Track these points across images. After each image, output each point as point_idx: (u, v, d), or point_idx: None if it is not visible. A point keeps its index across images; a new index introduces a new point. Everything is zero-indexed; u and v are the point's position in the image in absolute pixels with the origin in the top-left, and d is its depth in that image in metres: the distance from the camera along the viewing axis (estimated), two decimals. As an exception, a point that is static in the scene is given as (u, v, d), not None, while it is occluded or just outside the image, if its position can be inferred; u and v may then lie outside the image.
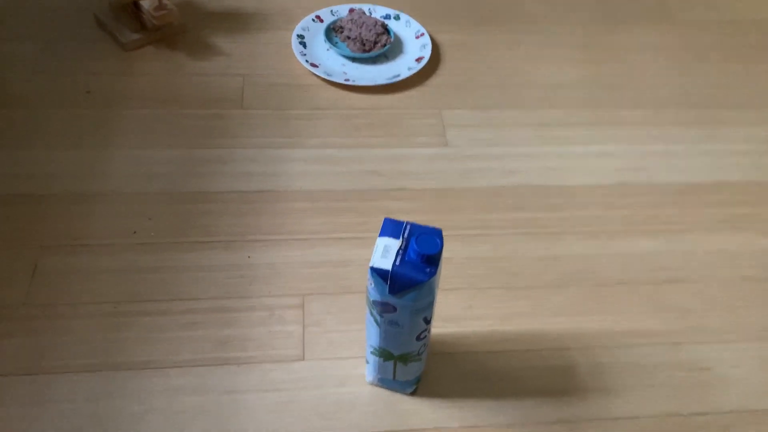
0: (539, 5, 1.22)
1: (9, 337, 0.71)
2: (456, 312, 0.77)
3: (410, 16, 1.16)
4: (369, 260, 0.58)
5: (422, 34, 1.12)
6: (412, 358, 0.65)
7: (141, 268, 0.78)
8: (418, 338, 0.63)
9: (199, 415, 0.67)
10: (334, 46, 1.09)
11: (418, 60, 1.08)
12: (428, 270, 0.57)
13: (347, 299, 0.77)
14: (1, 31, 1.07)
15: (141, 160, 0.90)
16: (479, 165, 0.94)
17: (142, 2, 1.04)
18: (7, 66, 1.02)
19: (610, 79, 1.09)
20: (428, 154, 0.95)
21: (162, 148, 0.92)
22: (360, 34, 1.08)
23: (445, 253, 0.82)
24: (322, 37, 1.11)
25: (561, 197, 0.91)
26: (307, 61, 1.05)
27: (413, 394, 0.70)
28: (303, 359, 0.72)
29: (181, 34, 1.10)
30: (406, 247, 0.58)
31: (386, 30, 1.10)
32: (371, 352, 0.66)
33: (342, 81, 1.03)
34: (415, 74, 1.06)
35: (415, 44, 1.12)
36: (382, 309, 0.60)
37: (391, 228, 0.59)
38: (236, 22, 1.13)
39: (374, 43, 1.08)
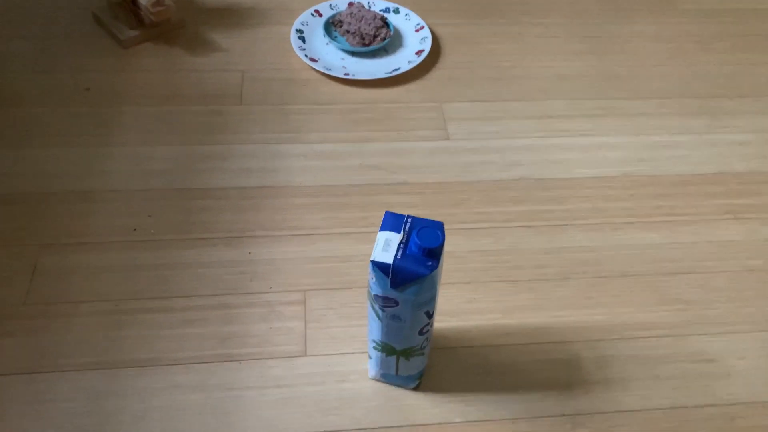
0: (540, -3, 1.22)
1: (9, 337, 0.71)
2: (458, 306, 0.77)
3: (410, 9, 1.15)
4: (370, 255, 0.57)
5: (422, 27, 1.12)
6: (415, 353, 0.65)
7: (141, 265, 0.78)
8: (420, 333, 0.62)
9: (201, 413, 0.67)
10: (334, 40, 1.08)
11: (418, 53, 1.07)
12: (430, 263, 0.56)
13: (349, 294, 0.77)
14: (-2, 29, 1.07)
15: (140, 157, 0.90)
16: (481, 158, 0.93)
17: (139, -1, 1.04)
18: (5, 64, 1.01)
19: (612, 70, 1.08)
20: (429, 148, 0.94)
21: (161, 144, 0.92)
22: (359, 27, 1.07)
23: (447, 247, 0.81)
24: (321, 31, 1.10)
25: (563, 189, 0.90)
26: (306, 55, 1.05)
27: (416, 389, 0.70)
28: (305, 355, 0.72)
29: (179, 30, 1.09)
30: (408, 240, 0.57)
31: (386, 23, 1.09)
32: (373, 348, 0.66)
33: (341, 75, 1.02)
34: (415, 67, 1.05)
35: (414, 37, 1.11)
36: (384, 303, 0.59)
37: (392, 221, 0.59)
38: (234, 17, 1.13)
39: (374, 37, 1.07)
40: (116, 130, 0.93)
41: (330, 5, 1.14)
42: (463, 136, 0.96)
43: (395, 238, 0.57)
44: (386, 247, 0.57)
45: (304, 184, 0.88)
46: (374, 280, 0.58)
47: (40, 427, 0.65)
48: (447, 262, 0.80)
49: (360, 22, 1.08)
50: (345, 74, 1.02)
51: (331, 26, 1.11)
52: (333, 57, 1.07)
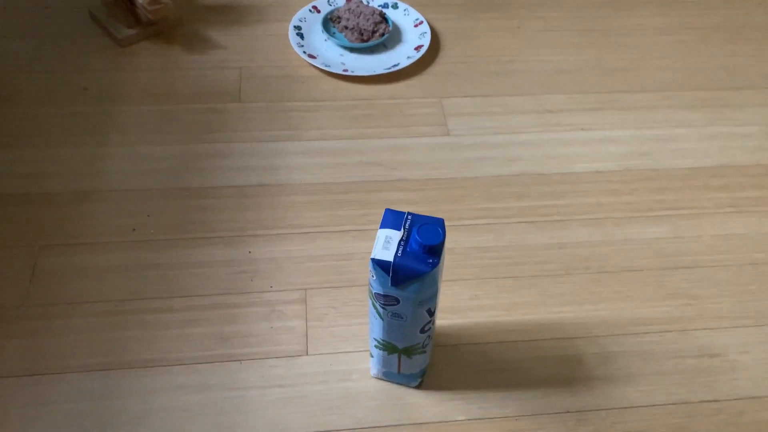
0: (539, -10, 1.21)
1: (9, 338, 0.71)
2: (460, 303, 0.76)
3: (408, 4, 1.15)
4: (371, 252, 0.57)
5: (421, 22, 1.11)
6: (417, 351, 0.64)
7: (141, 265, 0.78)
8: (422, 330, 0.62)
9: (203, 413, 0.66)
10: (332, 36, 1.07)
11: (417, 48, 1.06)
12: (431, 261, 0.56)
13: (350, 292, 0.76)
14: (-5, 29, 1.06)
15: (139, 156, 0.89)
16: (481, 153, 0.93)
17: (136, -3, 1.03)
18: (1, 64, 1.01)
19: (612, 63, 1.07)
20: (429, 144, 0.94)
21: (160, 144, 0.91)
22: (358, 23, 1.06)
23: (448, 244, 0.81)
24: (319, 27, 1.09)
25: (565, 184, 0.89)
26: (304, 52, 1.04)
27: (419, 387, 0.69)
28: (306, 354, 0.71)
29: (176, 28, 1.08)
30: (408, 237, 0.57)
31: (384, 19, 1.09)
32: (375, 346, 0.65)
33: (340, 72, 1.01)
34: (414, 63, 1.04)
35: (413, 33, 1.10)
36: (385, 301, 0.59)
37: (392, 219, 0.58)
38: (232, 14, 1.12)
39: (372, 33, 1.06)
40: (114, 130, 0.93)
41: (328, 1, 1.13)
42: (463, 131, 0.96)
43: (395, 235, 0.57)
44: (386, 244, 0.56)
45: (304, 181, 0.88)
46: (375, 278, 0.57)
47: (41, 429, 0.65)
48: (448, 259, 0.80)
49: (358, 17, 1.07)
50: (344, 70, 1.02)
51: (330, 22, 1.10)
52: (332, 53, 1.06)
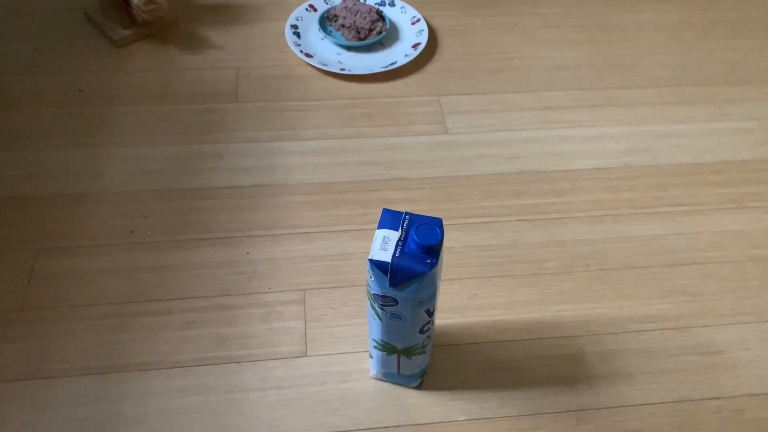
0: (537, -14, 1.20)
1: (7, 342, 0.70)
2: (460, 302, 0.76)
3: (405, 1, 1.14)
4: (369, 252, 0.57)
5: (418, 20, 1.10)
6: (416, 352, 0.64)
7: (138, 267, 0.77)
8: (421, 331, 0.61)
9: (202, 416, 0.66)
10: (329, 35, 1.07)
11: (415, 46, 1.06)
12: (429, 261, 0.55)
13: (349, 293, 0.76)
14: (-10, 31, 1.06)
15: (136, 157, 0.89)
16: (480, 151, 0.92)
17: (131, -3, 1.02)
18: (-3, 67, 1.00)
19: (611, 60, 1.07)
20: (428, 142, 0.93)
21: (156, 144, 0.91)
22: (354, 21, 1.06)
23: (447, 242, 0.80)
24: (316, 26, 1.09)
25: (564, 182, 0.89)
26: (301, 51, 1.03)
27: (419, 387, 0.69)
28: (305, 355, 0.71)
29: (172, 29, 1.08)
30: (406, 238, 0.56)
31: (381, 17, 1.08)
32: (374, 347, 0.65)
33: (337, 70, 1.01)
34: (412, 61, 1.04)
35: (411, 30, 1.09)
36: (383, 302, 0.58)
37: (390, 219, 0.58)
38: (228, 13, 1.11)
39: (369, 31, 1.06)
40: (111, 131, 0.92)
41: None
42: (462, 129, 0.95)
43: (393, 235, 0.57)
44: (384, 245, 0.56)
45: (302, 181, 0.87)
46: (373, 279, 0.57)
47: (39, 433, 0.64)
48: (447, 258, 0.79)
49: (355, 15, 1.06)
50: (341, 69, 1.01)
51: (326, 21, 1.10)
52: (329, 52, 1.05)
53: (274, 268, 0.78)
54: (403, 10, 1.12)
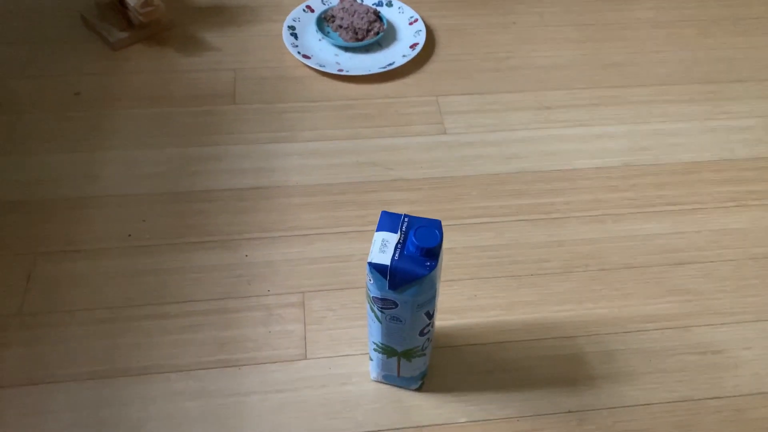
0: (534, -15, 1.20)
1: (5, 348, 0.70)
2: (460, 303, 0.76)
3: (403, 1, 1.14)
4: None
5: (416, 20, 1.10)
6: (416, 354, 0.63)
7: (137, 271, 0.77)
8: (421, 333, 0.61)
9: (202, 420, 0.66)
10: (326, 36, 1.07)
11: (413, 47, 1.06)
12: (428, 263, 0.55)
13: (349, 295, 0.76)
14: (-14, 35, 1.06)
15: (133, 161, 0.89)
16: (479, 151, 0.92)
17: (127, 0, 1.02)
18: (-6, 70, 1.00)
19: (609, 58, 1.07)
20: (426, 143, 0.93)
21: (154, 147, 0.90)
22: (352, 22, 1.05)
23: (446, 243, 0.80)
24: (313, 27, 1.08)
25: (563, 181, 0.89)
26: (299, 52, 1.03)
27: (419, 389, 0.69)
28: (305, 358, 0.71)
29: (169, 31, 1.07)
30: (405, 240, 0.56)
31: (379, 17, 1.08)
32: (374, 349, 0.65)
33: (335, 71, 1.01)
34: (410, 61, 1.03)
35: (408, 30, 1.09)
36: (383, 305, 0.58)
37: (389, 221, 0.58)
38: (225, 15, 1.11)
39: (367, 32, 1.06)
40: (108, 134, 0.92)
41: (322, 0, 1.12)
42: (461, 129, 0.95)
43: (392, 238, 0.56)
44: (383, 247, 0.56)
45: (300, 183, 0.87)
46: (372, 281, 0.57)
47: (38, 439, 0.64)
48: (447, 259, 0.79)
49: (353, 16, 1.06)
50: (339, 70, 1.01)
51: (324, 22, 1.09)
52: (326, 53, 1.05)
53: (273, 271, 0.78)
54: (400, 10, 1.12)
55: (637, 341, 0.73)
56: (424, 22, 1.11)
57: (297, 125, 0.95)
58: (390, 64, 1.03)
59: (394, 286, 0.56)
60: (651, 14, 1.15)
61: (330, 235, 0.82)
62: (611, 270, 0.79)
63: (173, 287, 0.76)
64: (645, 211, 0.85)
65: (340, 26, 1.06)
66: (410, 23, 1.10)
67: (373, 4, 1.13)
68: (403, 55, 1.04)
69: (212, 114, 0.95)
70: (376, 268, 0.55)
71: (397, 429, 0.66)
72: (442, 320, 0.74)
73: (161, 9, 1.03)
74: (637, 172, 0.90)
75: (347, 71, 1.01)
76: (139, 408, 0.66)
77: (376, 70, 1.01)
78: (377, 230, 0.57)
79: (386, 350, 0.63)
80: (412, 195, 0.86)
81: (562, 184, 0.88)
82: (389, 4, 1.13)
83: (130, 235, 0.80)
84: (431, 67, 1.04)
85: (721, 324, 0.75)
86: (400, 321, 0.59)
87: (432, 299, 0.59)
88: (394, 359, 0.64)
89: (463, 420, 0.67)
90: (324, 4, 1.12)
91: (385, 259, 0.55)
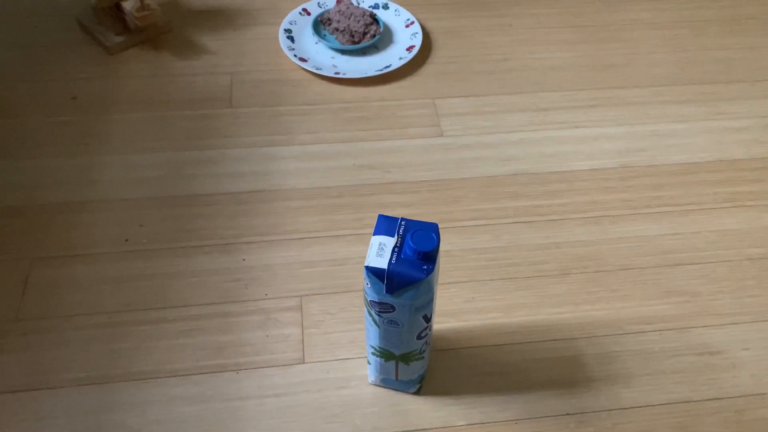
0: (530, -13, 1.20)
1: (2, 353, 0.70)
2: (457, 306, 0.76)
3: (399, 4, 1.14)
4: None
5: (412, 23, 1.10)
6: (414, 358, 0.63)
7: (134, 276, 0.77)
8: (419, 337, 0.61)
9: (200, 424, 0.66)
10: (323, 39, 1.07)
11: (409, 49, 1.06)
12: (425, 267, 0.55)
13: (346, 298, 0.76)
14: (-18, 39, 1.05)
15: (130, 165, 0.89)
16: (475, 154, 0.92)
17: (123, 4, 1.02)
18: (-10, 75, 1.00)
19: (605, 60, 1.07)
20: (423, 145, 0.93)
21: (151, 151, 0.90)
22: (348, 25, 1.05)
23: (444, 246, 0.80)
24: (309, 30, 1.09)
25: (560, 183, 0.89)
26: (295, 55, 1.03)
27: (417, 393, 0.68)
28: (303, 362, 0.70)
29: (165, 35, 1.07)
30: (402, 244, 0.56)
31: (375, 20, 1.08)
32: (372, 353, 0.65)
33: (332, 74, 1.01)
34: (406, 64, 1.04)
35: (405, 33, 1.09)
36: (381, 309, 0.58)
37: (386, 225, 0.58)
38: (221, 19, 1.11)
39: (363, 34, 1.06)
40: (105, 139, 0.92)
41: (318, 3, 1.12)
42: (457, 132, 0.95)
43: (389, 242, 0.56)
44: (380, 251, 0.56)
45: (298, 186, 0.87)
46: (369, 285, 0.57)
47: (36, 445, 0.64)
48: (444, 261, 0.79)
49: (349, 19, 1.06)
50: (335, 73, 1.01)
51: (320, 24, 1.09)
52: (323, 56, 1.05)
53: (271, 275, 0.78)
54: (396, 13, 1.12)
55: (635, 343, 0.73)
56: (421, 24, 1.11)
57: (294, 128, 0.94)
58: (386, 67, 1.03)
59: (391, 289, 0.56)
60: (647, 16, 1.15)
61: (327, 239, 0.81)
62: (609, 271, 0.79)
63: (170, 292, 0.76)
64: (642, 212, 0.85)
65: (337, 29, 1.06)
66: (406, 26, 1.10)
67: (369, 7, 1.13)
68: (400, 58, 1.04)
69: (209, 118, 0.95)
70: (374, 272, 0.55)
71: (396, 432, 0.66)
72: (439, 323, 0.74)
73: (157, 13, 1.02)
74: (633, 174, 0.90)
75: (344, 74, 1.01)
76: (138, 413, 0.66)
77: (372, 72, 1.01)
78: (374, 234, 0.57)
79: (384, 354, 0.63)
80: (410, 197, 0.86)
81: (559, 186, 0.88)
82: (385, 7, 1.13)
83: (127, 240, 0.80)
84: (428, 69, 1.04)
85: (719, 325, 0.75)
86: (398, 324, 0.59)
87: (429, 302, 0.58)
88: (392, 363, 0.64)
89: (461, 423, 0.66)
90: (320, 8, 1.12)
91: (383, 263, 0.55)
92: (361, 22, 1.06)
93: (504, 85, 1.02)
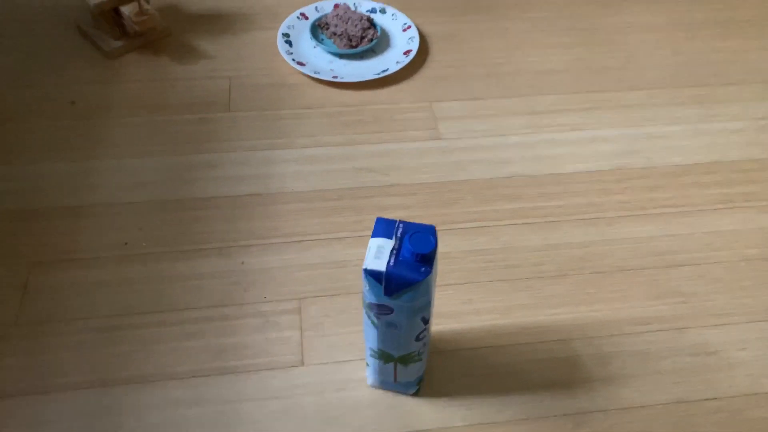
0: (526, -9, 1.21)
1: (2, 357, 0.70)
2: (455, 307, 0.76)
3: (396, 8, 1.15)
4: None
5: (409, 27, 1.11)
6: (413, 359, 0.64)
7: (133, 279, 0.77)
8: (417, 339, 0.62)
9: (199, 427, 0.66)
10: (321, 43, 1.07)
11: (406, 53, 1.06)
12: (423, 269, 0.55)
13: (345, 300, 0.76)
14: (-19, 45, 1.06)
15: (129, 169, 0.89)
16: (473, 156, 0.93)
17: (122, 9, 1.02)
18: (-11, 80, 1.00)
19: (600, 63, 1.08)
20: (421, 148, 0.93)
21: (150, 155, 0.91)
22: (346, 29, 1.06)
23: (441, 248, 0.81)
24: (307, 34, 1.09)
25: (557, 185, 0.89)
26: (293, 59, 1.04)
27: (416, 394, 0.69)
28: (302, 365, 0.71)
29: (164, 39, 1.08)
30: (400, 246, 0.57)
31: (372, 24, 1.08)
32: (370, 355, 0.65)
33: (330, 78, 1.01)
34: (403, 68, 1.04)
35: (402, 37, 1.10)
36: (379, 311, 0.59)
37: (384, 227, 0.58)
38: (220, 23, 1.12)
39: (361, 39, 1.06)
40: (103, 143, 0.92)
41: (316, 7, 1.13)
42: (455, 135, 0.95)
43: (387, 244, 0.57)
44: (378, 254, 0.56)
45: (296, 189, 0.88)
46: (368, 288, 0.57)
47: (36, 448, 0.64)
48: (442, 263, 0.80)
49: (346, 23, 1.07)
50: (333, 77, 1.02)
51: (318, 29, 1.10)
52: (321, 60, 1.06)
53: (270, 278, 0.78)
54: (393, 17, 1.13)
55: (632, 343, 0.73)
56: (418, 28, 1.11)
57: (292, 132, 0.95)
58: (384, 71, 1.03)
59: (389, 292, 0.56)
60: (642, 18, 1.16)
61: (326, 241, 0.82)
62: (605, 273, 0.80)
63: (170, 295, 0.76)
64: (638, 213, 0.86)
65: (335, 33, 1.07)
66: (404, 30, 1.11)
67: (366, 12, 1.13)
68: (397, 62, 1.05)
69: (208, 122, 0.96)
70: (372, 275, 0.56)
71: (395, 434, 0.66)
72: (438, 325, 0.74)
73: (156, 17, 1.03)
74: (629, 175, 0.91)
75: (342, 78, 1.02)
76: (137, 416, 0.67)
77: (370, 76, 1.02)
78: (372, 236, 0.58)
79: (383, 356, 0.64)
80: (408, 200, 0.87)
81: (556, 188, 0.89)
82: (383, 11, 1.14)
83: (126, 244, 0.81)
84: (425, 73, 1.05)
85: (716, 325, 0.75)
86: (397, 326, 0.59)
87: (428, 304, 0.59)
88: (391, 365, 0.65)
89: (460, 424, 0.67)
90: (318, 12, 1.12)
91: (381, 265, 0.55)
92: (359, 27, 1.06)
93: (500, 88, 1.03)
